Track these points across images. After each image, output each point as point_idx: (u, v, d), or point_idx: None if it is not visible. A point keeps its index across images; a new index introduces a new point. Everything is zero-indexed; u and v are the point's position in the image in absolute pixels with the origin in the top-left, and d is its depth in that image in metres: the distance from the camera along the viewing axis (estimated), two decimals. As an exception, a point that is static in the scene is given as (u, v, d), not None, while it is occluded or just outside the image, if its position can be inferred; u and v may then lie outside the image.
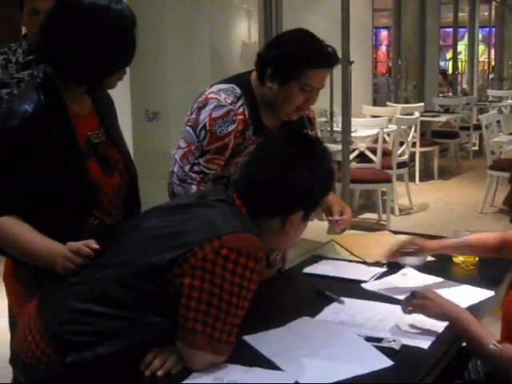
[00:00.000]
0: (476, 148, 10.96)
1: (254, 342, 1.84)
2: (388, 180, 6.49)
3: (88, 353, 1.66)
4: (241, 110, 2.33)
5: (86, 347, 1.66)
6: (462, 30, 12.79)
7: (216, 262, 1.64)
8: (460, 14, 12.22)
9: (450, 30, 13.03)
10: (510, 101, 11.58)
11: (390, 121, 7.09)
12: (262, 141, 2.25)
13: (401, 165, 6.99)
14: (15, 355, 1.81)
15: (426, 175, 8.80)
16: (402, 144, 7.15)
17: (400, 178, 7.05)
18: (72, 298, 1.74)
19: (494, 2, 13.76)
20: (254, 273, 1.68)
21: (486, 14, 13.80)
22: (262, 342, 1.85)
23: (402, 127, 7.24)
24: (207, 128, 2.29)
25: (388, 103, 9.13)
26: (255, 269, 1.69)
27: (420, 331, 1.93)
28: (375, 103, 8.77)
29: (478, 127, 10.17)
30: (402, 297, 2.14)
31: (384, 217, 6.69)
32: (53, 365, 1.69)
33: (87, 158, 1.95)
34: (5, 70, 3.06)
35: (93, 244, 1.78)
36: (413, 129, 7.64)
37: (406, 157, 7.27)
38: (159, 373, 1.66)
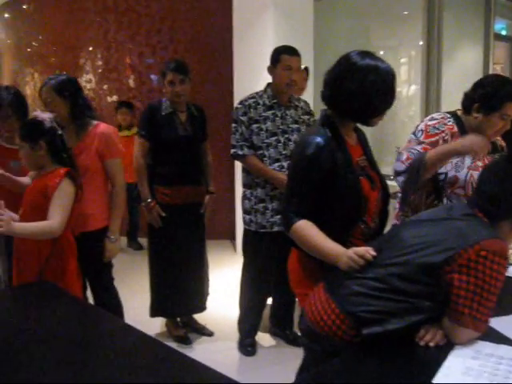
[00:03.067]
0: None
1: (497, 325, 1.83)
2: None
3: (379, 327, 1.73)
4: (450, 123, 2.52)
5: (377, 323, 1.73)
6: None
7: (478, 261, 1.67)
8: None
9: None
10: None
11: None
12: (487, 165, 2.27)
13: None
14: (309, 329, 1.88)
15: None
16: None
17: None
18: (361, 287, 1.80)
19: None
20: (504, 268, 1.71)
21: None
22: (504, 325, 1.84)
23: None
24: (423, 129, 2.51)
25: None
26: (504, 265, 1.72)
27: None
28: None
29: None
30: None
31: None
32: (346, 336, 1.77)
33: (359, 176, 2.03)
34: (254, 110, 3.27)
35: (372, 251, 1.83)
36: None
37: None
38: (431, 344, 1.70)
